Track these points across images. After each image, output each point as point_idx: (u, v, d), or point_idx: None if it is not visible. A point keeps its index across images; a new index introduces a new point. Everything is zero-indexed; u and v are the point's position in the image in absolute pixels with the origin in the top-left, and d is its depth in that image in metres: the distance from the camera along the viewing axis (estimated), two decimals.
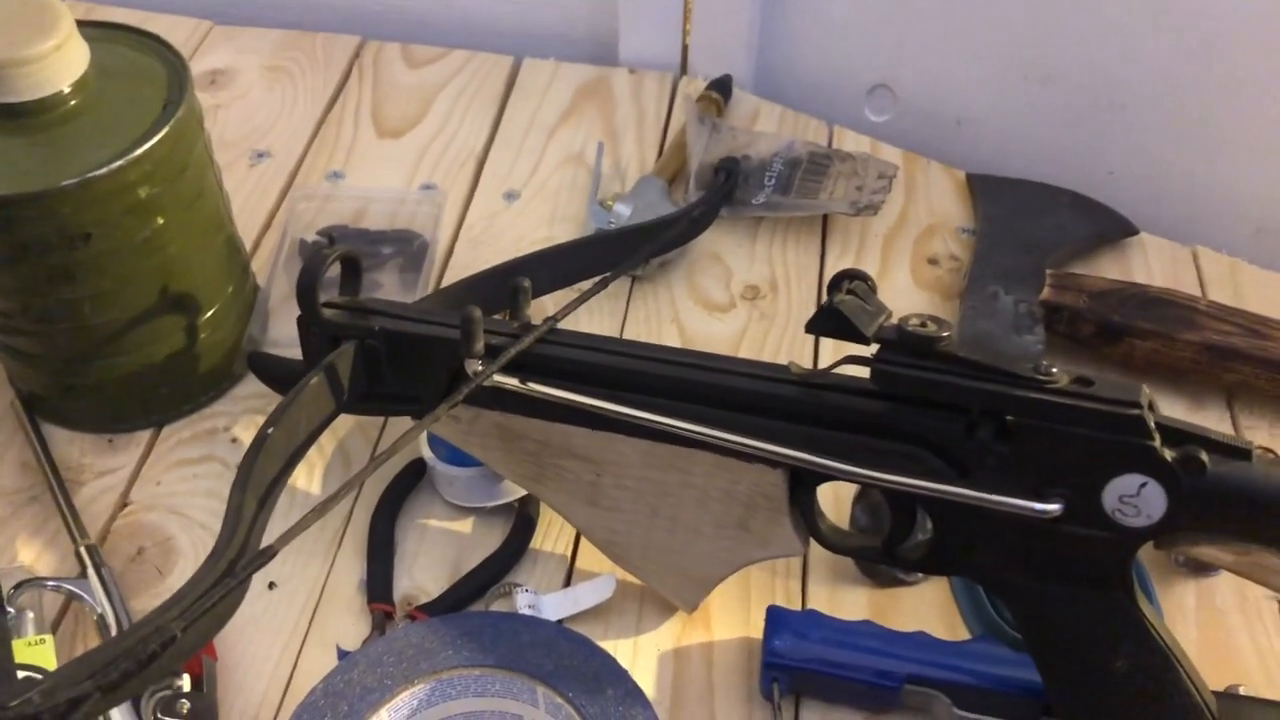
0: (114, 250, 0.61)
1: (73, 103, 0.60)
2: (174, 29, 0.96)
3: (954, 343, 0.49)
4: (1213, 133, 0.84)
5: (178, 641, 0.40)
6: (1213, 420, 0.72)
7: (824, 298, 0.78)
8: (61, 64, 0.59)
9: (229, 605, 0.44)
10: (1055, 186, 0.84)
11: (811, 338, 0.74)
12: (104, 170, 0.58)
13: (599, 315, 0.77)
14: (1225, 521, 0.47)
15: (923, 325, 0.49)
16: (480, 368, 0.55)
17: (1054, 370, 0.48)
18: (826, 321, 0.50)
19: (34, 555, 0.63)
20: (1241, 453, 0.46)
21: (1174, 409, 0.72)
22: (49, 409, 0.69)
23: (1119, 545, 0.49)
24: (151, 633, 0.40)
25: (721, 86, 0.91)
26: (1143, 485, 0.47)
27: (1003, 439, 0.49)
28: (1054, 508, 0.48)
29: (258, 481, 0.50)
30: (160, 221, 0.62)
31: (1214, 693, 0.51)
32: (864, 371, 0.51)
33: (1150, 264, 0.82)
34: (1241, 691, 0.56)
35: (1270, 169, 0.84)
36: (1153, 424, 0.47)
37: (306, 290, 0.59)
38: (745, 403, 0.53)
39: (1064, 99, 0.88)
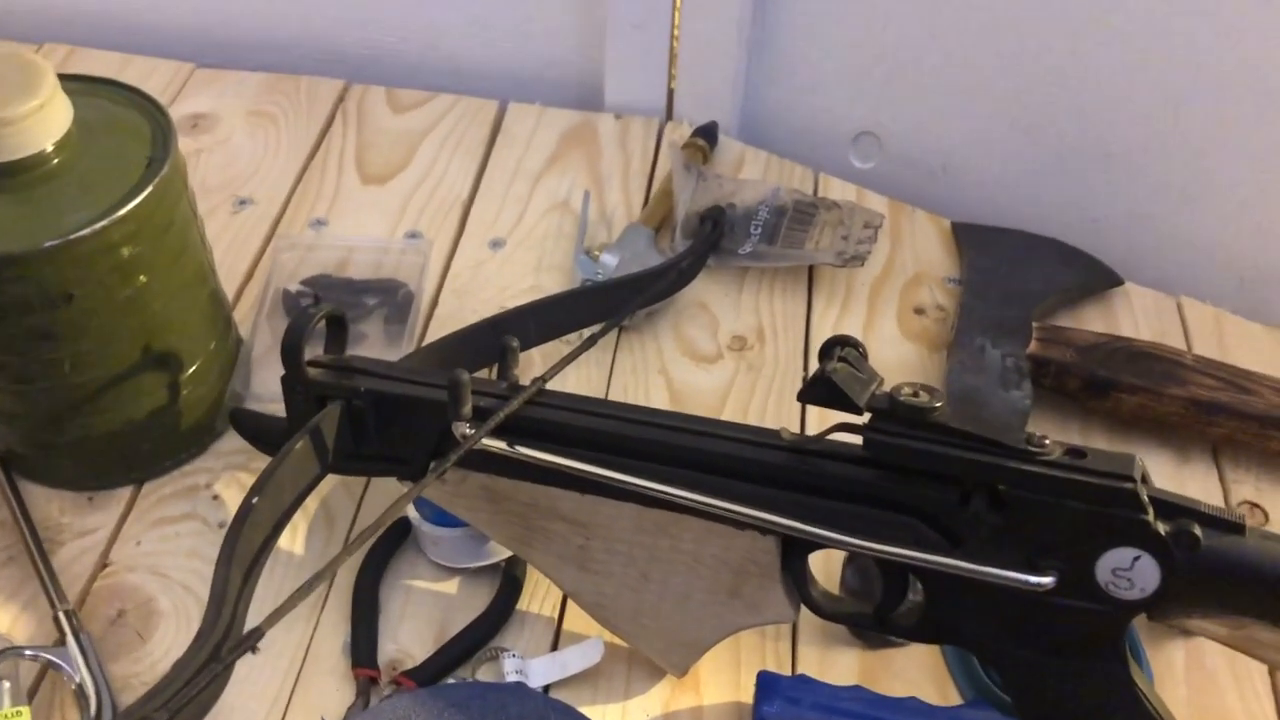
0: (96, 310, 0.60)
1: (55, 161, 0.59)
2: (155, 72, 0.95)
3: (946, 412, 0.49)
4: (1196, 183, 0.85)
5: None
6: (1199, 475, 0.72)
7: (811, 348, 0.78)
8: (44, 123, 0.58)
9: (214, 691, 0.43)
10: (1041, 236, 0.84)
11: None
12: (87, 231, 0.57)
13: (586, 367, 0.77)
14: (1218, 595, 0.47)
15: (915, 395, 0.49)
16: (468, 431, 0.55)
17: (1047, 441, 0.48)
18: (818, 391, 0.50)
19: (10, 619, 0.62)
20: (1235, 527, 0.46)
21: (1161, 463, 0.72)
22: (27, 467, 0.68)
23: (1112, 618, 0.48)
24: None
25: (707, 133, 0.91)
26: (1136, 559, 0.47)
27: (996, 510, 0.49)
28: (1047, 580, 0.48)
29: (243, 554, 0.49)
30: (143, 280, 0.61)
31: None
32: (856, 439, 0.51)
33: (1135, 314, 0.82)
34: None
35: (1252, 219, 0.84)
36: (1146, 497, 0.46)
37: (291, 352, 0.59)
38: (736, 469, 0.53)
39: (1050, 148, 0.88)
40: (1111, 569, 0.47)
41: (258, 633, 0.44)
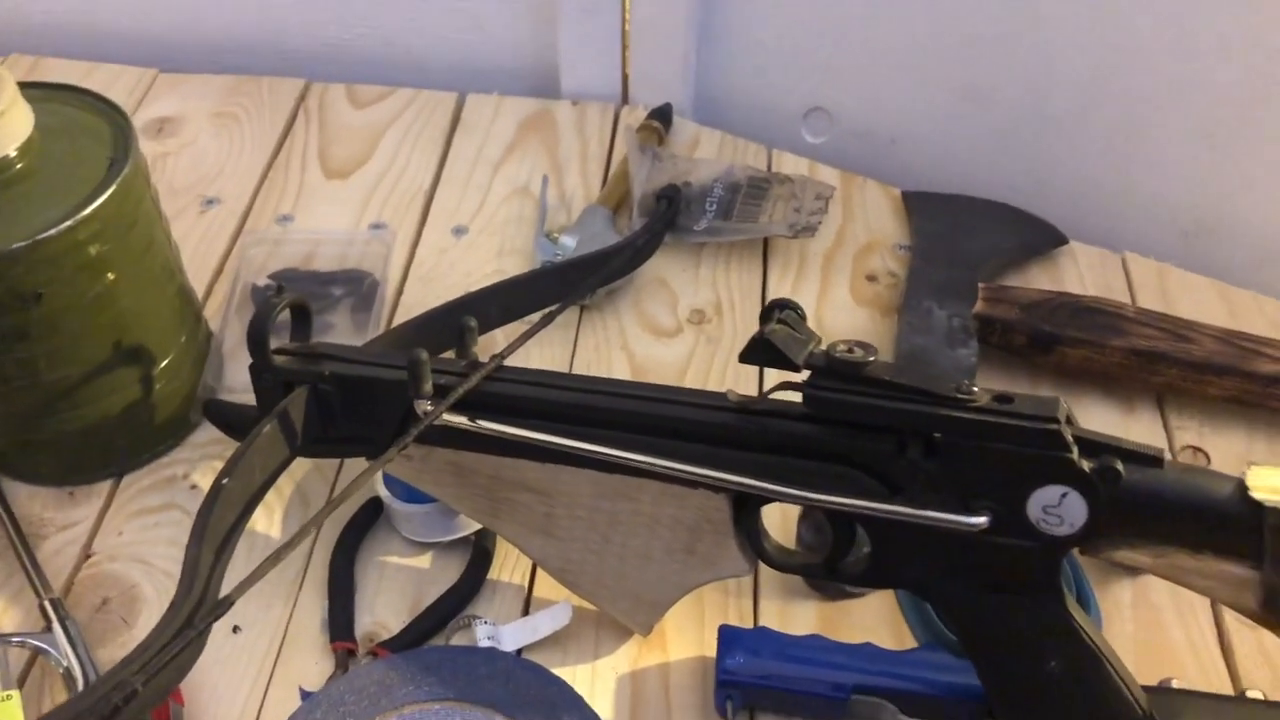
0: (66, 308, 0.62)
1: (19, 166, 0.61)
2: (119, 78, 0.97)
3: (881, 366, 0.51)
4: (1137, 142, 0.87)
5: (139, 695, 0.41)
6: (1144, 423, 0.74)
7: None
8: (6, 130, 0.60)
9: (189, 656, 0.46)
10: (987, 200, 0.86)
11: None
12: (53, 231, 0.59)
13: (549, 346, 0.79)
14: (1141, 526, 0.49)
15: (850, 351, 0.51)
16: (429, 408, 0.57)
17: (975, 389, 0.50)
18: (759, 352, 0.52)
19: None
20: (1154, 460, 0.49)
21: (1107, 414, 0.75)
22: (7, 465, 0.70)
23: (1045, 553, 0.51)
24: (113, 688, 0.41)
25: (662, 115, 0.93)
26: (1064, 495, 0.49)
27: (931, 457, 0.51)
28: (982, 520, 0.50)
29: (215, 532, 0.51)
30: (111, 277, 0.63)
31: (1146, 687, 0.54)
32: (798, 397, 0.53)
33: (1081, 272, 0.84)
34: (1174, 684, 0.59)
35: (1192, 175, 0.87)
36: (1070, 437, 0.49)
37: (257, 339, 0.61)
38: (687, 431, 0.55)
39: (994, 115, 0.90)
40: (1042, 506, 0.50)
41: (229, 600, 0.46)
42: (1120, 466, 0.48)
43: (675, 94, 0.95)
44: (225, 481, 0.53)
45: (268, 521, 0.69)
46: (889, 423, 0.51)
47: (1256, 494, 0.47)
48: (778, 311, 0.54)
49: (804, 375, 0.53)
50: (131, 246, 0.64)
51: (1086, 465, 0.49)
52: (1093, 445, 0.49)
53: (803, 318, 0.55)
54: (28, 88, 0.64)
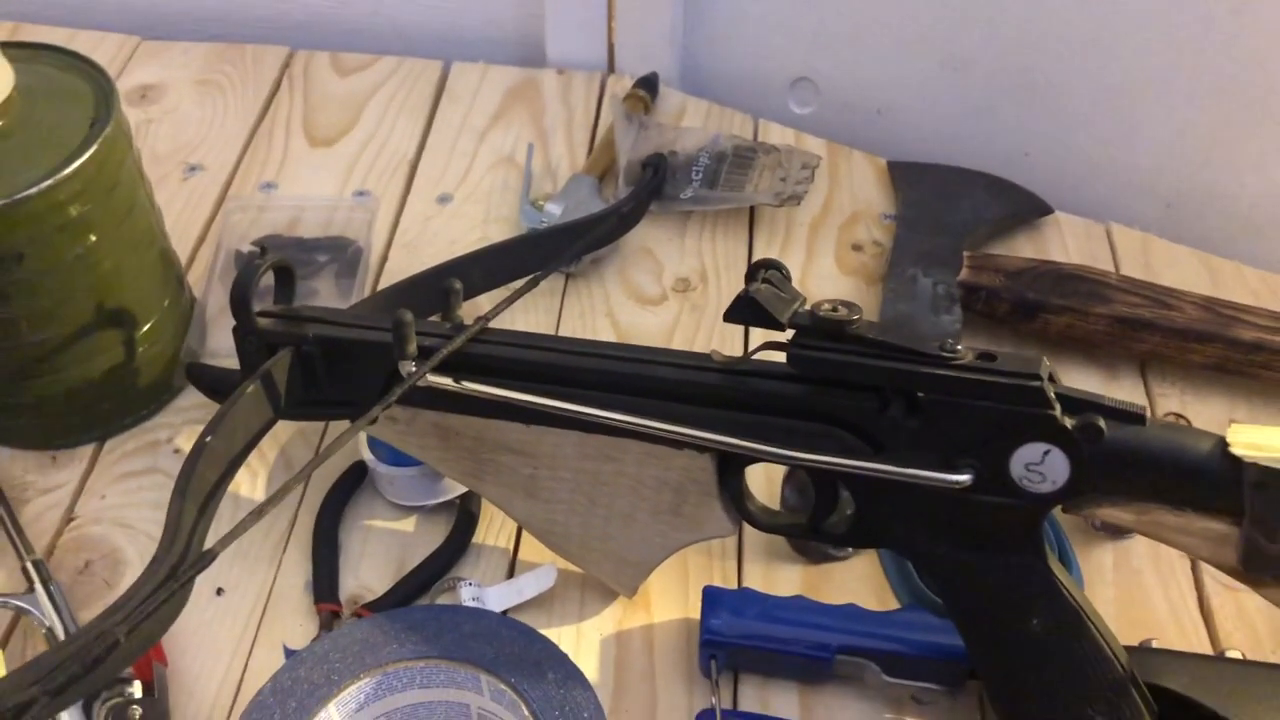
0: (48, 269, 0.62)
1: None
2: (101, 45, 0.96)
3: (865, 325, 0.51)
4: (1123, 112, 0.87)
5: (121, 645, 0.41)
6: (1126, 389, 0.75)
7: None
8: None
9: (172, 609, 0.45)
10: (972, 170, 0.86)
11: (740, 328, 0.76)
12: (34, 190, 0.59)
13: (535, 313, 0.79)
14: (1124, 483, 0.49)
15: (834, 310, 0.52)
16: (414, 369, 0.57)
17: (959, 347, 0.51)
18: (743, 311, 0.52)
19: None
20: (1136, 417, 0.49)
21: (1090, 380, 0.75)
22: None
23: (1028, 511, 0.51)
24: (95, 638, 0.41)
25: (648, 84, 0.93)
26: (1046, 453, 0.49)
27: (914, 415, 0.51)
28: (964, 478, 0.51)
29: (197, 489, 0.51)
30: (93, 239, 0.63)
31: (1127, 647, 0.54)
32: (782, 356, 0.53)
33: (1066, 241, 0.85)
34: (1154, 645, 0.59)
35: (1177, 146, 0.87)
36: (1052, 394, 0.49)
37: (240, 300, 0.60)
38: (671, 391, 0.55)
39: (980, 85, 0.90)
40: (1024, 464, 0.50)
41: (212, 553, 0.46)
42: (1102, 423, 0.48)
43: (662, 63, 0.95)
44: (208, 439, 0.53)
45: (251, 485, 0.69)
46: (872, 381, 0.51)
47: (1236, 450, 0.47)
48: (763, 271, 0.54)
49: (788, 335, 0.53)
50: (113, 208, 0.64)
51: (1069, 422, 0.49)
52: (1075, 402, 0.49)
53: (787, 278, 0.55)
54: (8, 47, 0.63)
